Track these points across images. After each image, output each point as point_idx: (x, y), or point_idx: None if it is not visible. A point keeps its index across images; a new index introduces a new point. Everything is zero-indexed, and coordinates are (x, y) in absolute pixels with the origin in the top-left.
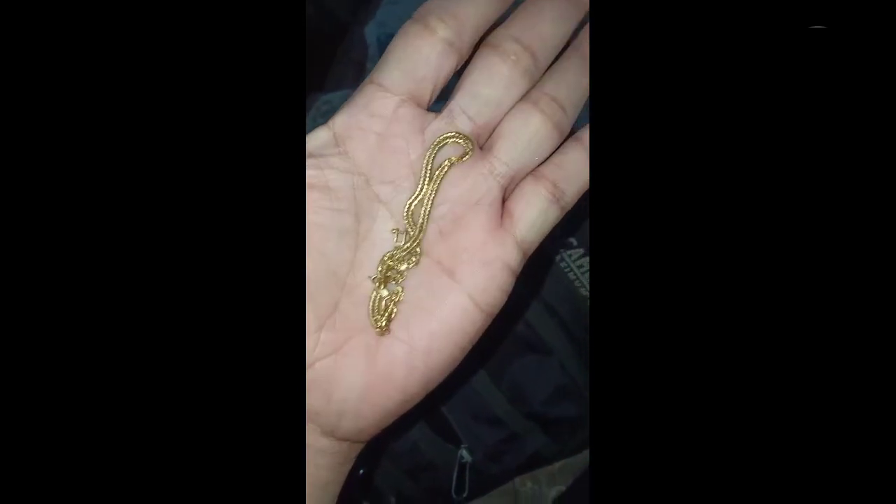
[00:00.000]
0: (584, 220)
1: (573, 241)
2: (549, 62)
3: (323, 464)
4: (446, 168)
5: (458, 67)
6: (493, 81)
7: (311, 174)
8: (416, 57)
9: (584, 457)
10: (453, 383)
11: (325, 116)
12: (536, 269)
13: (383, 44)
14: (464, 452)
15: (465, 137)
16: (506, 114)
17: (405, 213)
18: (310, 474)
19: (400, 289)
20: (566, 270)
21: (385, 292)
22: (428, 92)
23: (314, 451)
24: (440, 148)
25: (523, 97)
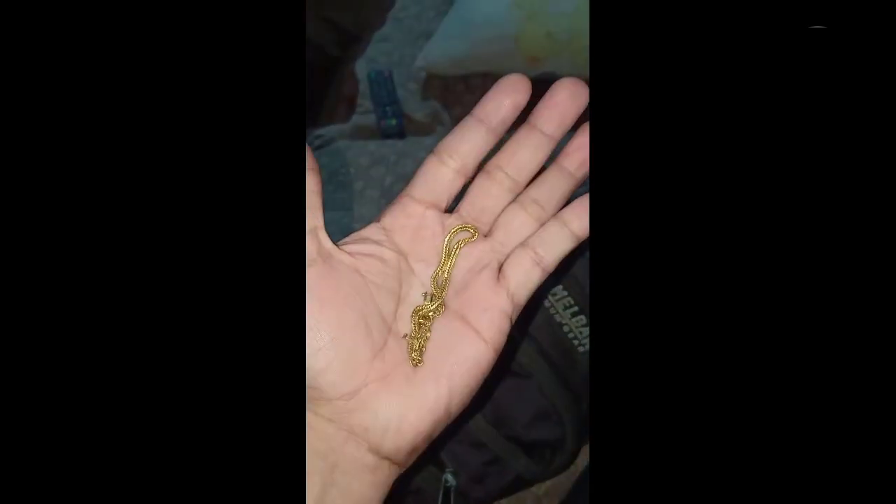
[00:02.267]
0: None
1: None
2: (529, 180)
3: (367, 480)
4: (458, 248)
5: (465, 184)
6: (487, 196)
7: (374, 248)
8: (435, 180)
9: (567, 479)
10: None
11: (318, 150)
12: None
13: (373, 80)
14: (448, 476)
15: (472, 227)
16: (501, 212)
17: (432, 280)
18: (354, 490)
19: (428, 333)
20: (541, 298)
21: (417, 343)
22: (444, 202)
23: (361, 465)
24: (455, 234)
25: (515, 200)
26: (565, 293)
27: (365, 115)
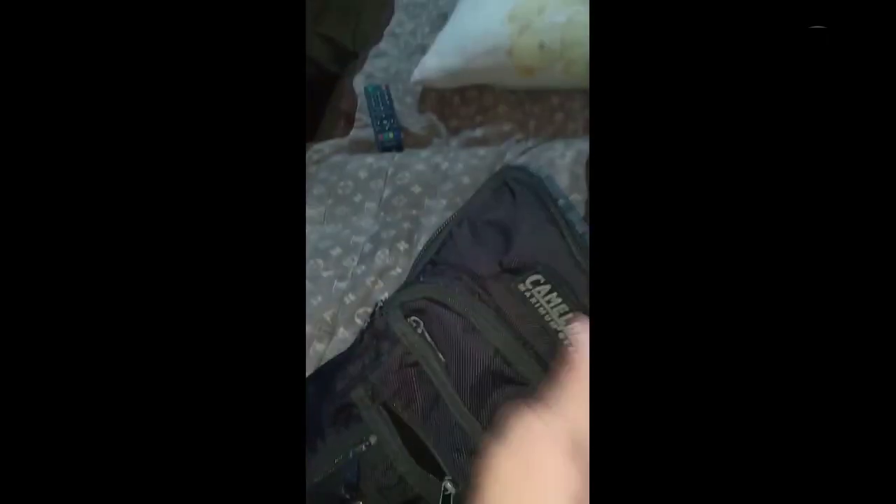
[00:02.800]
0: (535, 268)
1: (539, 277)
2: None
3: None
4: None
5: None
6: None
7: None
8: None
9: None
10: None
11: (317, 165)
12: (509, 305)
13: (370, 94)
14: (447, 484)
15: None
16: None
17: None
18: None
19: None
20: (536, 306)
21: None
22: None
23: None
24: None
25: None
26: (559, 300)
27: (363, 128)
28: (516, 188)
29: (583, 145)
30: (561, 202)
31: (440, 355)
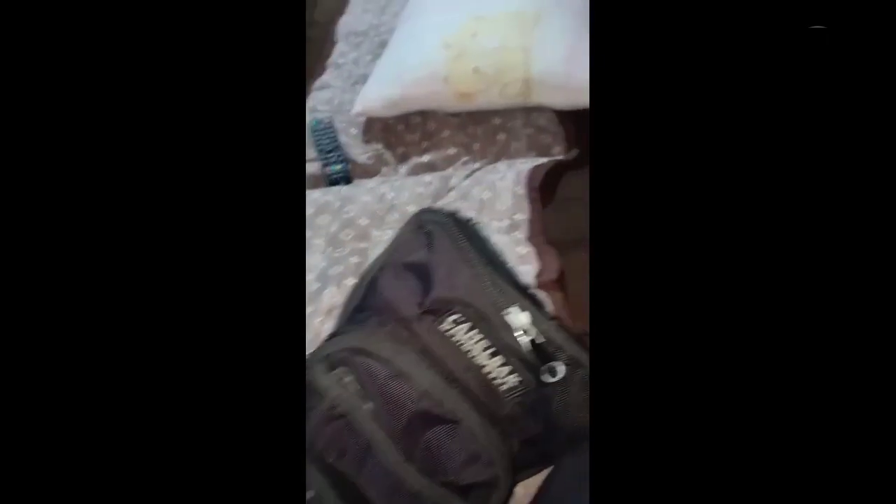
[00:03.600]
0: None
1: (458, 316)
2: None
3: None
4: None
5: None
6: None
7: None
8: None
9: None
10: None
11: None
12: (434, 344)
13: (314, 129)
14: None
15: None
16: None
17: None
18: None
19: None
20: (459, 344)
21: None
22: None
23: None
24: None
25: None
26: (481, 336)
27: (309, 163)
28: (433, 230)
29: (522, 165)
30: (490, 234)
31: (368, 404)
